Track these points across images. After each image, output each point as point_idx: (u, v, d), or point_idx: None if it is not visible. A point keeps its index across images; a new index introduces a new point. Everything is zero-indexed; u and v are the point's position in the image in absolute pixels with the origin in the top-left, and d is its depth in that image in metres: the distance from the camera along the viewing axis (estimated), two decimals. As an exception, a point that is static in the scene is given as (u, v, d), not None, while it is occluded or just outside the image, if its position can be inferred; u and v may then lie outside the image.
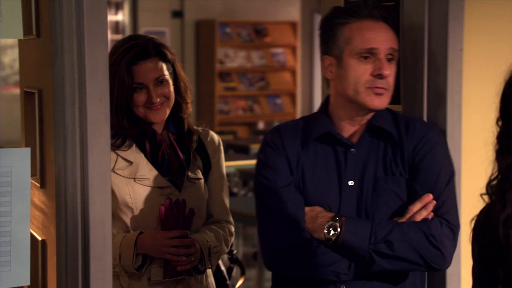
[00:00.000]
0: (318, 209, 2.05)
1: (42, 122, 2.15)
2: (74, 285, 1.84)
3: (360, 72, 2.04)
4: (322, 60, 2.13)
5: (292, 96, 10.67)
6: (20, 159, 1.76)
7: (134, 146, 2.39)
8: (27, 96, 2.28)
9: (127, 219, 2.36)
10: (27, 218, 1.77)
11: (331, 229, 1.99)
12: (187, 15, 9.99)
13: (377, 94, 2.05)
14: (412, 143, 2.08)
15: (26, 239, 1.77)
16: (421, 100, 2.39)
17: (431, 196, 2.03)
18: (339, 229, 1.98)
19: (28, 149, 1.77)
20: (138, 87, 2.36)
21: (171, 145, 2.43)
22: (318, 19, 10.78)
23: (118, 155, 2.37)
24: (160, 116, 2.38)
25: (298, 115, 10.80)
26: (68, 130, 1.83)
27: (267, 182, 2.06)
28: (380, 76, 2.03)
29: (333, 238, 1.97)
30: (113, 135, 2.33)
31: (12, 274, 1.76)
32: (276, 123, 10.79)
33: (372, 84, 2.04)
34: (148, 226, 2.36)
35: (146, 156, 2.39)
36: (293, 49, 10.58)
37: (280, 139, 2.10)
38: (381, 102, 2.06)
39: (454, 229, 2.03)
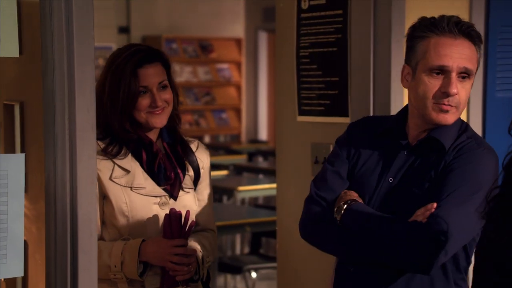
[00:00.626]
0: (349, 193, 2.25)
1: (24, 132, 2.37)
2: (63, 276, 2.06)
3: (429, 87, 2.12)
4: (402, 68, 2.24)
5: (237, 110, 10.99)
6: (16, 164, 1.97)
7: (130, 154, 2.44)
8: (6, 109, 2.48)
9: (121, 227, 2.42)
10: (21, 217, 1.99)
11: (337, 209, 2.21)
12: (134, 30, 10.21)
13: (442, 110, 2.13)
14: (453, 153, 2.16)
15: (20, 235, 1.98)
16: (368, 113, 2.71)
17: (435, 205, 2.06)
18: (342, 211, 2.19)
19: (23, 155, 1.99)
20: (142, 90, 2.42)
21: (167, 155, 2.49)
22: (262, 35, 11.12)
23: (114, 163, 2.43)
24: (162, 121, 2.44)
25: (243, 129, 11.09)
26: (58, 138, 2.05)
27: (327, 162, 2.34)
28: (447, 94, 2.11)
29: (338, 217, 2.19)
30: (109, 143, 2.43)
31: (8, 266, 1.97)
32: (222, 138, 11.08)
33: (439, 101, 2.13)
34: (142, 234, 2.41)
35: (142, 165, 2.45)
36: (238, 64, 10.91)
37: (353, 127, 2.35)
38: (446, 118, 2.15)
39: (441, 238, 2.03)
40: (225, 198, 6.82)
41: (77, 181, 2.03)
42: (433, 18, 2.19)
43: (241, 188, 6.74)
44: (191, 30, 10.57)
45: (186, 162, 2.51)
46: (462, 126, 2.23)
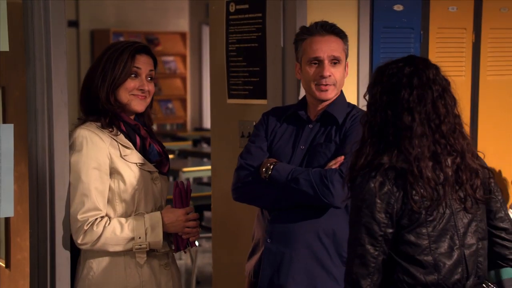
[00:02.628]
0: (271, 160, 2.83)
1: (5, 110, 2.97)
2: (43, 219, 2.69)
3: (311, 74, 2.80)
4: (295, 65, 2.90)
5: (183, 100, 11.15)
6: (7, 131, 2.56)
7: (121, 135, 2.62)
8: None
9: (130, 200, 2.60)
10: (11, 171, 2.57)
11: (265, 169, 2.80)
12: (82, 24, 10.25)
13: (322, 90, 2.80)
14: (349, 123, 2.82)
15: (11, 185, 2.55)
16: (280, 96, 3.34)
17: (342, 157, 2.72)
18: (270, 171, 2.79)
19: (12, 125, 2.58)
20: (134, 72, 2.61)
21: (151, 136, 2.73)
22: (205, 29, 11.18)
23: (118, 142, 2.60)
24: (142, 106, 2.65)
25: (189, 118, 11.20)
26: (38, 113, 2.68)
27: (249, 141, 2.95)
28: (323, 77, 2.78)
29: (266, 176, 2.81)
30: (108, 124, 2.60)
31: (2, 208, 2.55)
32: (168, 126, 11.28)
33: (319, 82, 2.79)
34: (145, 204, 2.62)
35: (135, 146, 2.63)
36: (183, 57, 11.04)
37: (267, 115, 2.96)
38: (326, 94, 2.82)
39: (343, 176, 2.67)
40: (171, 178, 7.29)
41: (53, 145, 2.67)
42: (308, 25, 2.87)
43: (185, 169, 7.21)
44: (138, 24, 10.63)
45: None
46: (350, 105, 2.94)
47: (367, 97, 2.25)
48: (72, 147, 2.60)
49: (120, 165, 2.59)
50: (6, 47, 2.56)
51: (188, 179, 7.53)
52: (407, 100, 2.14)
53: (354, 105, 2.96)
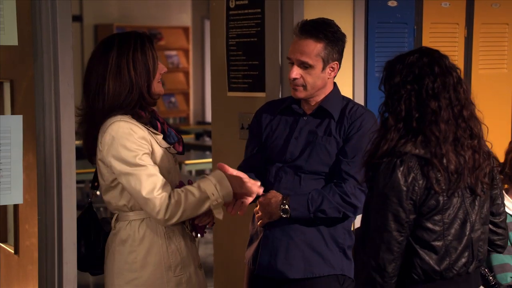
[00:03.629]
0: (276, 196, 2.87)
1: (14, 102, 3.10)
2: (51, 204, 2.81)
3: (289, 73, 2.85)
4: None
5: (186, 94, 11.21)
6: (16, 122, 2.70)
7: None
8: (-2, 86, 3.19)
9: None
10: (20, 160, 2.71)
11: (282, 210, 2.85)
12: (86, 19, 10.33)
13: (294, 89, 2.86)
14: (349, 120, 2.87)
15: (20, 172, 2.69)
16: (278, 89, 3.44)
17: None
18: (289, 213, 2.85)
19: (21, 116, 2.72)
20: (157, 59, 2.70)
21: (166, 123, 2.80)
22: (208, 24, 11.20)
23: (149, 130, 2.65)
24: (162, 89, 2.75)
25: (191, 112, 11.28)
26: (46, 104, 2.80)
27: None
28: (289, 77, 2.84)
29: (288, 215, 2.85)
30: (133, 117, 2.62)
31: (12, 195, 2.69)
32: (171, 120, 11.34)
33: (291, 83, 2.85)
34: (172, 184, 2.66)
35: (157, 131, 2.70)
36: (185, 52, 11.10)
37: (259, 113, 3.04)
38: (296, 94, 2.87)
39: (359, 181, 2.75)
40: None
41: (60, 135, 2.80)
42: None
43: (188, 161, 7.30)
44: (141, 19, 10.67)
45: None
46: (345, 99, 2.99)
47: (382, 88, 2.34)
48: (115, 140, 2.57)
49: (157, 150, 2.65)
50: (15, 41, 2.69)
51: (190, 172, 7.63)
52: (431, 87, 2.22)
53: (349, 99, 3.02)
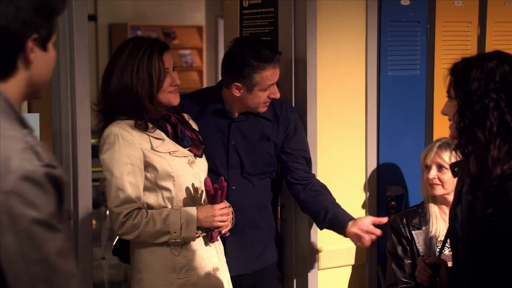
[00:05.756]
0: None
1: (31, 100, 3.14)
2: (67, 203, 2.85)
3: (263, 97, 3.00)
4: (233, 85, 2.97)
5: None
6: (33, 120, 2.76)
7: (156, 129, 2.69)
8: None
9: (168, 186, 2.67)
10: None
11: None
12: (100, 18, 10.32)
13: (265, 106, 3.05)
14: (286, 122, 3.13)
15: None
16: (290, 88, 3.47)
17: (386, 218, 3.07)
18: None
19: (38, 114, 2.78)
20: (165, 72, 2.67)
21: (182, 123, 2.79)
22: (221, 23, 11.20)
23: (149, 136, 2.66)
24: (178, 98, 2.74)
25: None
26: (62, 102, 2.85)
27: None
28: (275, 97, 3.04)
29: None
30: (136, 121, 2.64)
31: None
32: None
33: (266, 101, 3.03)
34: (184, 187, 2.69)
35: (167, 135, 2.70)
36: (199, 51, 11.07)
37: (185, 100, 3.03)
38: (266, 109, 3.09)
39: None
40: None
41: (76, 133, 2.84)
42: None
43: None
44: (155, 18, 10.65)
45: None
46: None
47: (451, 93, 2.20)
48: (104, 145, 2.63)
49: (153, 157, 2.65)
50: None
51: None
52: None
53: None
